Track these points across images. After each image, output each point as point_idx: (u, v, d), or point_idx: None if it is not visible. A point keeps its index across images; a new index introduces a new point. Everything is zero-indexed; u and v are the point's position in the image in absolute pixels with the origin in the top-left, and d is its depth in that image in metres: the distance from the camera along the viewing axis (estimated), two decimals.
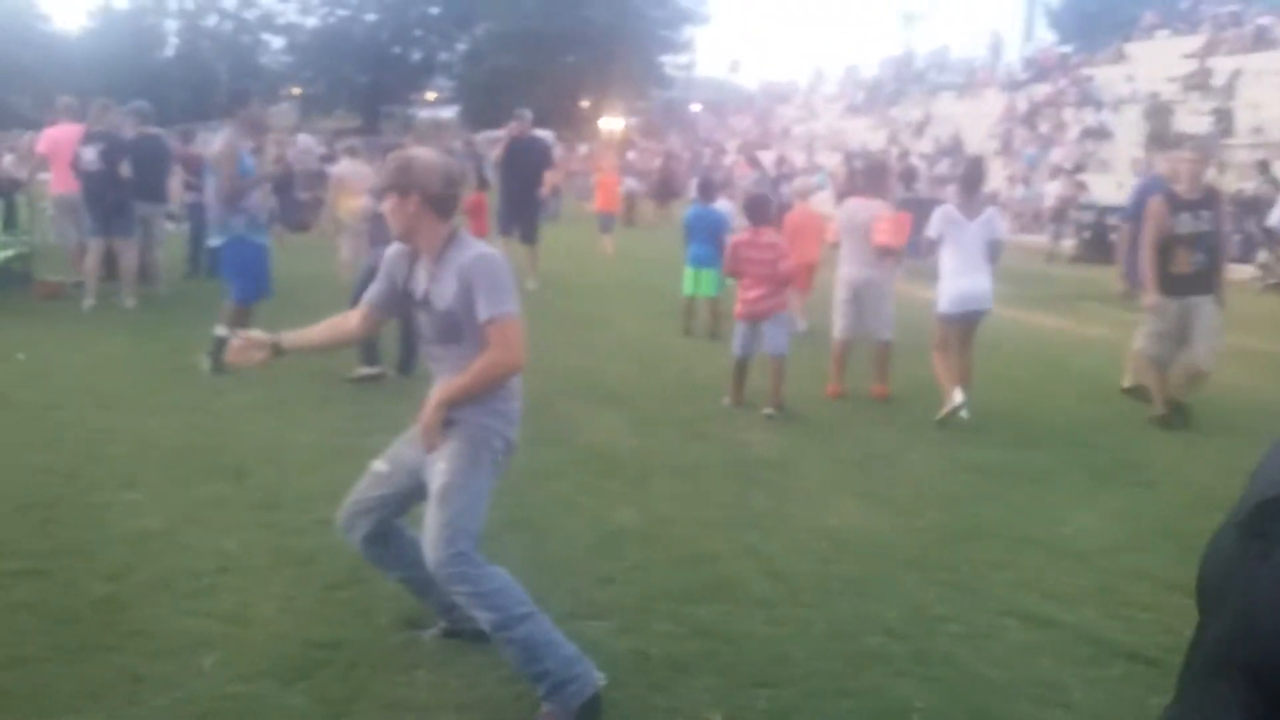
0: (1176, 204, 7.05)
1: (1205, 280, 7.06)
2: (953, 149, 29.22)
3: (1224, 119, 22.47)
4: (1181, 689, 1.00)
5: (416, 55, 60.71)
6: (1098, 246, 19.76)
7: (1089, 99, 28.12)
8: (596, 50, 52.51)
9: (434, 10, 58.59)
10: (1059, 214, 21.94)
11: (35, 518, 4.66)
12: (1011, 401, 7.84)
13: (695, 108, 54.32)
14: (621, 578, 4.27)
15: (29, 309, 9.95)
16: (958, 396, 7.01)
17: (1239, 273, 17.42)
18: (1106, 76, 29.24)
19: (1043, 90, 30.78)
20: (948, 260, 7.18)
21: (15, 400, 6.70)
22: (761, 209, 7.52)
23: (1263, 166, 18.90)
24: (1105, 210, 20.14)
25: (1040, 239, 22.16)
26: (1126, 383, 8.02)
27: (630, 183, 25.40)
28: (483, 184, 12.93)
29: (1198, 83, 25.33)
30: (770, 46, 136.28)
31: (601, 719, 3.16)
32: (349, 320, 3.59)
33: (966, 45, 41.96)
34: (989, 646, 3.80)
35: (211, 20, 58.93)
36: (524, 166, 12.23)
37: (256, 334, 3.49)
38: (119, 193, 9.87)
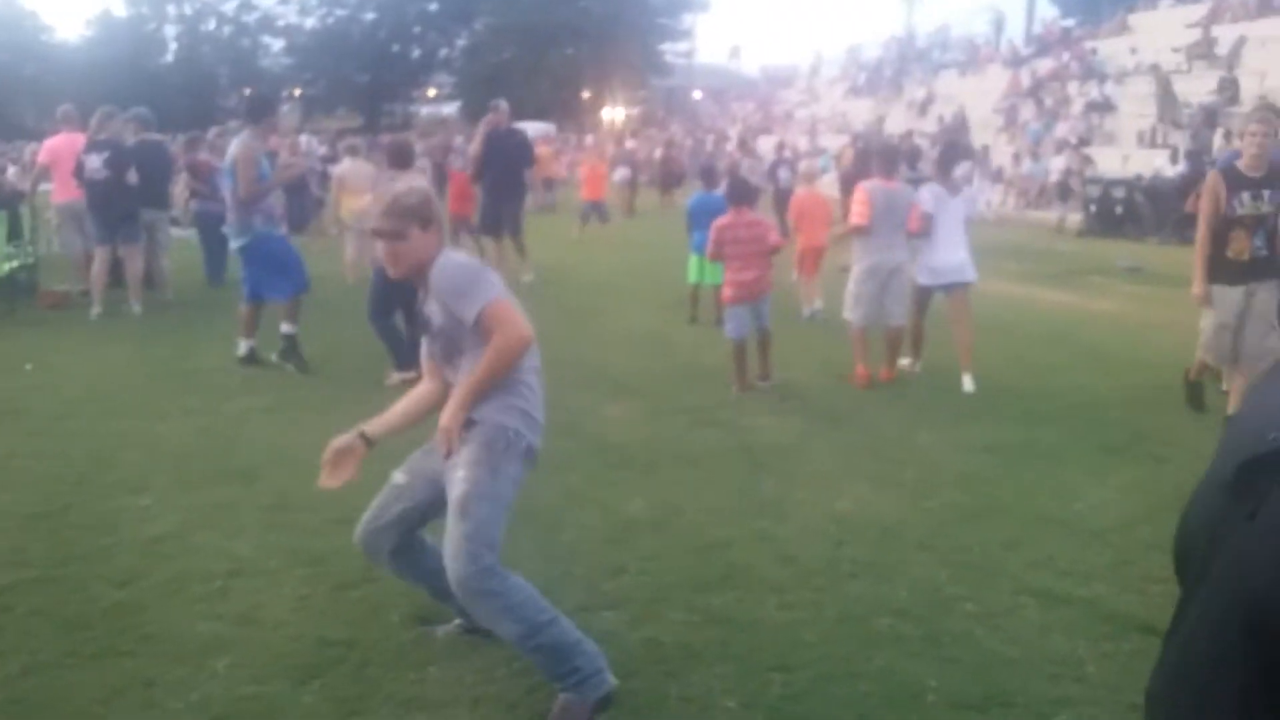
0: (1237, 181, 6.23)
1: (1268, 267, 6.25)
2: (956, 127, 29.09)
3: (1229, 87, 22.30)
4: (1173, 654, 0.98)
5: (416, 52, 60.72)
6: (1105, 220, 19.67)
7: (1093, 72, 27.95)
8: (596, 41, 52.43)
9: (432, 7, 58.58)
10: (1064, 188, 21.85)
11: (47, 526, 4.67)
12: (1020, 379, 7.81)
13: (696, 95, 54.21)
14: (633, 567, 4.27)
15: (35, 319, 9.98)
16: (967, 384, 7.31)
17: None
18: (1110, 49, 29.04)
19: (1046, 65, 30.59)
20: (932, 234, 7.40)
21: (24, 410, 6.72)
22: (741, 190, 7.55)
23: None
24: (1111, 183, 20.04)
25: (1047, 214, 22.06)
26: (1192, 375, 6.99)
27: (623, 171, 25.36)
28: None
29: (1202, 52, 25.13)
30: (771, 31, 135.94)
31: (614, 708, 3.15)
32: (422, 387, 3.55)
33: (968, 23, 41.60)
34: (1003, 625, 3.79)
35: (210, 24, 59.02)
36: (503, 159, 11.67)
37: (340, 441, 3.44)
38: (126, 200, 9.90)
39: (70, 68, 51.11)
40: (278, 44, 60.44)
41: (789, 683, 3.38)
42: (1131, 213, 19.37)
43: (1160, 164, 20.37)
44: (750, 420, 6.64)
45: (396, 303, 7.27)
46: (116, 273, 10.24)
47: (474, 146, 12.22)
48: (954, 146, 8.17)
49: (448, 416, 3.20)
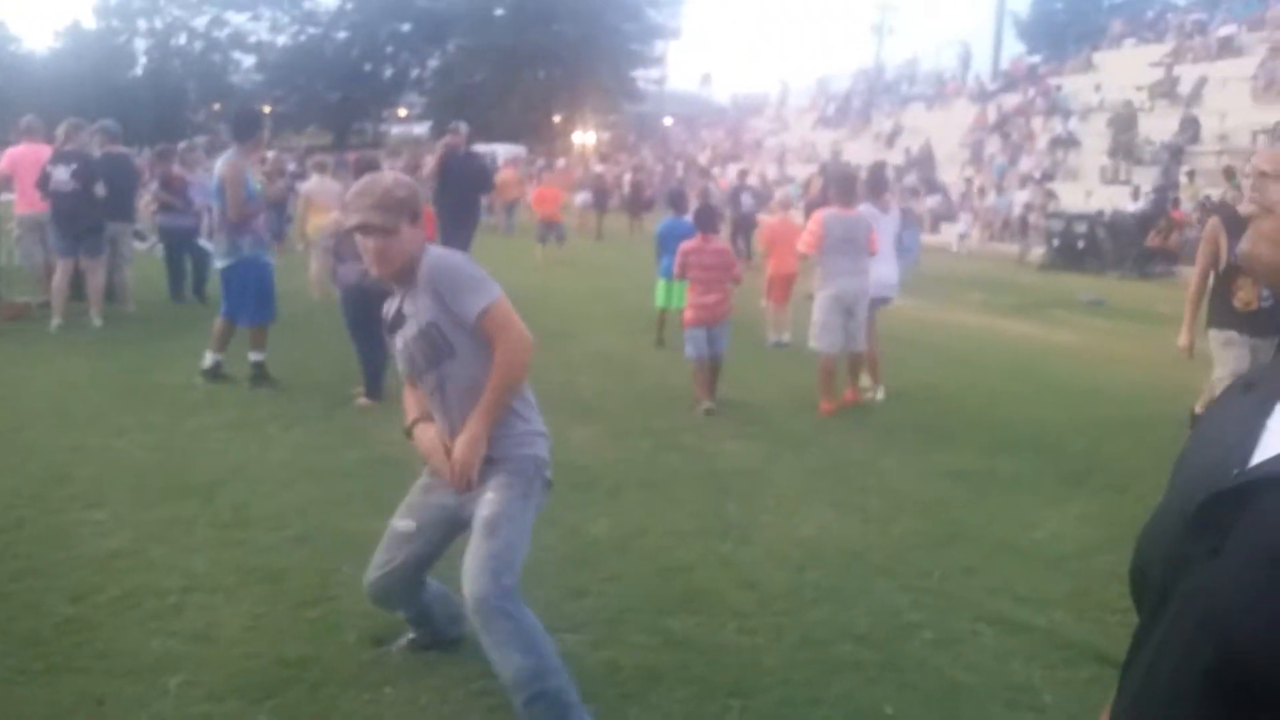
0: (1239, 226, 5.75)
1: (1269, 320, 5.72)
2: (923, 159, 29.45)
3: (1190, 126, 22.73)
4: (1133, 684, 0.98)
5: (388, 72, 60.78)
6: (1067, 254, 19.95)
7: (1057, 108, 28.41)
8: (568, 65, 52.73)
9: (405, 27, 58.70)
10: (1026, 222, 22.17)
11: (0, 540, 4.59)
12: (982, 408, 7.88)
13: (667, 121, 54.53)
14: (595, 589, 4.25)
15: None
16: (878, 394, 7.82)
17: None
18: (1074, 86, 29.56)
19: (1011, 100, 31.07)
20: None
21: None
22: (709, 218, 7.76)
23: (1229, 173, 19.12)
24: (1074, 218, 20.34)
25: (1010, 247, 22.36)
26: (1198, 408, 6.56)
27: (584, 195, 25.54)
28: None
29: (1164, 90, 25.64)
30: (742, 60, 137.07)
31: None
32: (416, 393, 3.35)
33: (936, 57, 42.11)
34: (961, 652, 3.80)
35: (181, 39, 58.75)
36: (461, 182, 11.21)
37: (434, 444, 3.21)
38: (93, 213, 9.78)
39: (38, 79, 50.67)
40: (249, 60, 60.29)
41: (748, 708, 3.37)
42: (1093, 247, 19.68)
43: (1122, 200, 20.71)
44: (715, 444, 6.65)
45: (377, 316, 7.21)
46: (77, 285, 10.11)
47: (430, 167, 11.76)
48: (880, 169, 9.20)
49: (464, 450, 3.03)
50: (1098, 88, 27.91)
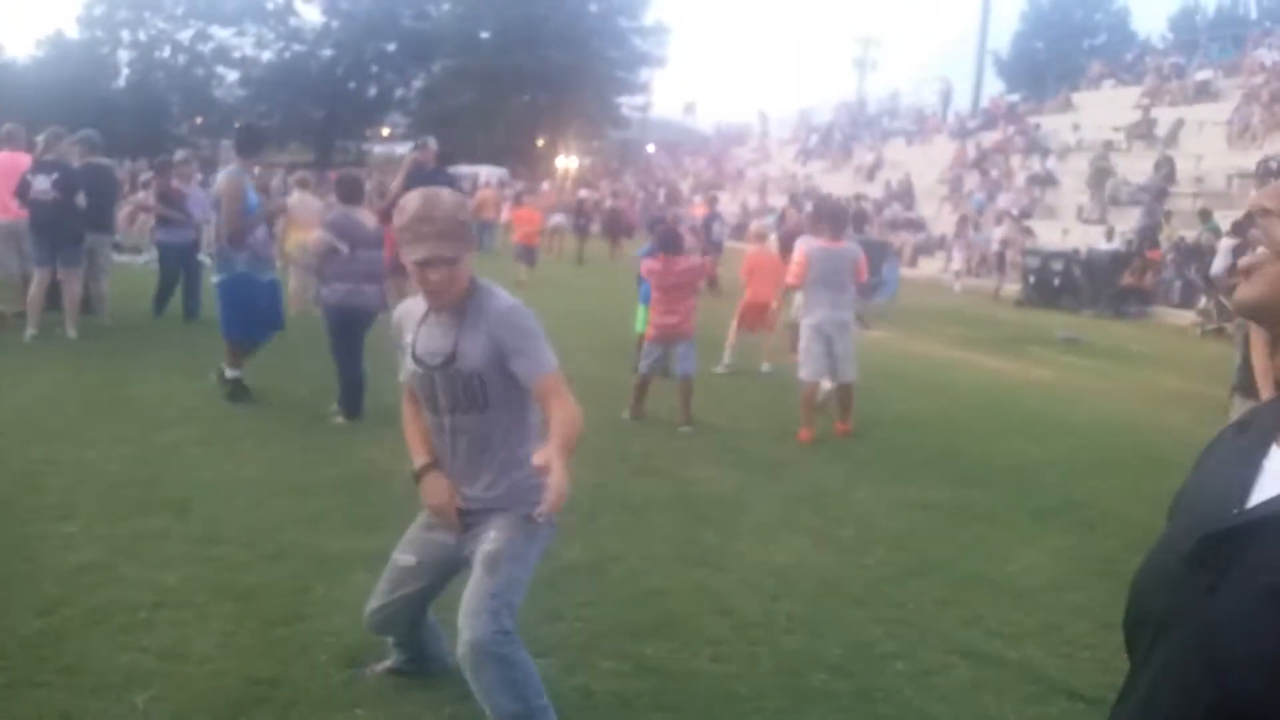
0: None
1: None
2: (903, 193, 29.70)
3: (1165, 165, 23.04)
4: (1130, 717, 0.98)
5: (372, 91, 60.80)
6: (1043, 291, 20.14)
7: (1036, 146, 28.74)
8: (553, 89, 52.92)
9: (390, 47, 58.79)
10: (1003, 257, 22.39)
11: None
12: (957, 441, 7.92)
13: (650, 148, 54.77)
14: (569, 614, 4.24)
15: None
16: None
17: (1181, 319, 17.84)
18: (1053, 124, 29.92)
19: (991, 137, 31.41)
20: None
21: None
22: (671, 240, 7.97)
23: (1204, 215, 19.39)
24: (1050, 255, 20.55)
25: (986, 282, 22.56)
26: None
27: (558, 218, 25.86)
28: None
29: (1142, 132, 25.99)
30: (725, 89, 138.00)
31: None
32: (419, 419, 3.21)
33: (917, 92, 42.52)
34: (934, 683, 3.81)
35: (165, 52, 58.59)
36: None
37: (444, 496, 3.11)
38: (73, 223, 9.72)
39: (18, 87, 50.31)
40: (232, 75, 60.14)
41: None
42: (1069, 285, 19.87)
43: (1096, 239, 20.94)
44: (691, 471, 6.66)
45: (360, 337, 7.23)
46: (53, 295, 10.04)
47: (396, 184, 11.13)
48: (834, 202, 10.58)
49: (563, 479, 2.62)
50: (1076, 127, 28.27)
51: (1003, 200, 26.00)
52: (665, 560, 4.96)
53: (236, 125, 9.01)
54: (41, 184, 9.55)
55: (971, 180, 28.93)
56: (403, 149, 51.15)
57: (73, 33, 56.74)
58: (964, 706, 3.65)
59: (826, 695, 3.67)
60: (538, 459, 2.64)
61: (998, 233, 23.56)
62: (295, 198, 12.56)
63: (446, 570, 3.23)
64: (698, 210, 22.82)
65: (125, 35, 57.56)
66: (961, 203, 27.58)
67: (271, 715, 3.32)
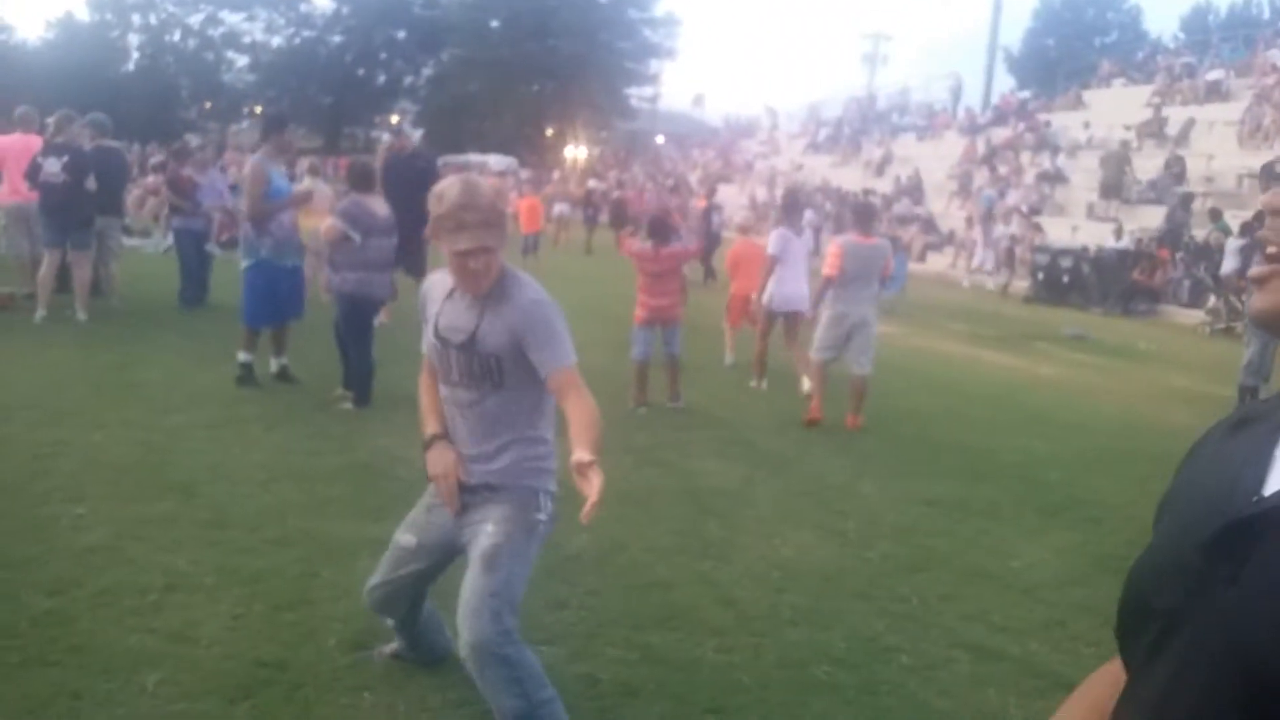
0: None
1: None
2: (912, 188, 29.64)
3: (1176, 164, 22.96)
4: (1143, 713, 0.95)
5: (381, 78, 60.76)
6: (1052, 288, 20.11)
7: (1046, 143, 28.65)
8: (562, 80, 52.85)
9: (400, 34, 58.74)
10: (1011, 254, 22.34)
11: None
12: (963, 437, 7.92)
13: (659, 140, 54.69)
14: (574, 603, 4.26)
15: None
16: (805, 385, 8.24)
17: (1189, 318, 17.81)
18: (1064, 122, 29.81)
19: (1001, 134, 31.30)
20: (781, 269, 8.80)
21: None
22: (661, 229, 8.18)
23: (1214, 214, 19.33)
24: (1059, 253, 20.51)
25: (996, 279, 22.52)
26: None
27: (561, 207, 26.01)
28: None
29: (1152, 130, 25.89)
30: (735, 81, 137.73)
31: None
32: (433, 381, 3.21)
33: (928, 88, 42.34)
34: (937, 677, 3.83)
35: (175, 36, 58.62)
36: (403, 188, 10.14)
37: (445, 463, 3.08)
38: (83, 206, 9.75)
39: (28, 69, 50.39)
40: (242, 60, 60.17)
41: None
42: (1078, 282, 19.83)
43: (1105, 236, 20.88)
44: (696, 462, 6.67)
45: (370, 324, 7.30)
46: (63, 278, 10.08)
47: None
48: (795, 193, 11.09)
49: (600, 479, 2.66)
50: (1087, 125, 28.16)
51: (1012, 197, 25.92)
52: (670, 551, 4.97)
53: (264, 114, 9.10)
54: (52, 167, 9.57)
55: (981, 176, 28.84)
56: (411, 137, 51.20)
57: (83, 15, 56.83)
58: (967, 700, 3.67)
59: (830, 687, 3.69)
60: (574, 462, 2.66)
61: (1006, 229, 23.51)
62: (307, 184, 12.55)
63: (445, 553, 3.22)
64: (700, 202, 22.80)
65: (135, 19, 57.61)
66: (971, 199, 27.50)
67: (279, 698, 3.34)
